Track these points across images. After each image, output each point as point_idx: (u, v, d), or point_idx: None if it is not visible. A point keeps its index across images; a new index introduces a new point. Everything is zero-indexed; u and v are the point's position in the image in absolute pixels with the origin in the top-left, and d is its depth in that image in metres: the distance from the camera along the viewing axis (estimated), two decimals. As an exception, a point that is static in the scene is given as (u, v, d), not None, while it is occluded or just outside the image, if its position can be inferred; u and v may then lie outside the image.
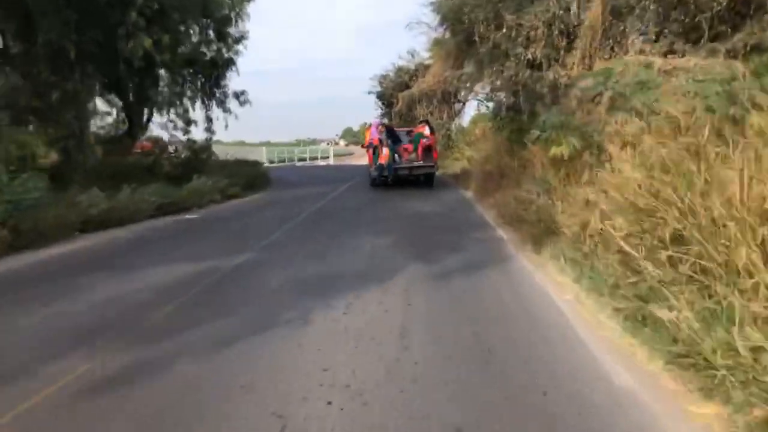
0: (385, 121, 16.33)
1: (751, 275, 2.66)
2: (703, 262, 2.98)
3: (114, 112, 18.89)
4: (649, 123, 5.25)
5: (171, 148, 17.35)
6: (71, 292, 4.35)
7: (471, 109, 33.51)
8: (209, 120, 20.44)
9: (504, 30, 9.92)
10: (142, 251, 6.28)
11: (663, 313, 2.82)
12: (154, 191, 9.78)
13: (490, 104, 22.71)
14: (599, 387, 2.55)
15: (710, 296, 2.80)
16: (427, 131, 13.45)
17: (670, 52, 8.10)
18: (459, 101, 25.12)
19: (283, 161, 34.40)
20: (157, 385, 2.65)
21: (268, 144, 54.92)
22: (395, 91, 25.06)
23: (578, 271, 4.26)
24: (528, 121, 9.37)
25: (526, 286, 4.46)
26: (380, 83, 26.19)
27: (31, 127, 10.10)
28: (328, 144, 62.81)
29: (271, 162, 33.26)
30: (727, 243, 2.87)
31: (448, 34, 18.41)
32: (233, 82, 21.09)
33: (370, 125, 14.38)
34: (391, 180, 12.57)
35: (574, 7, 9.83)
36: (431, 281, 4.54)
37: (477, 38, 10.73)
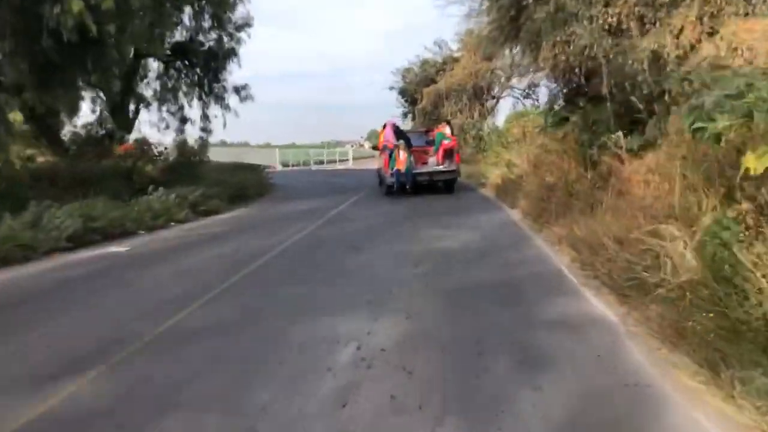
0: (397, 121, 13.53)
1: None
2: None
3: (104, 109, 16.62)
4: None
5: (156, 150, 14.93)
6: None
7: (505, 108, 30.08)
8: (205, 118, 18.01)
9: (573, -18, 6.89)
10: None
11: None
12: (85, 209, 7.14)
13: (528, 101, 19.38)
14: None
15: None
16: (448, 131, 11.79)
17: None
18: (493, 97, 22.00)
19: (299, 164, 31.89)
20: None
21: (293, 146, 52.83)
22: (419, 87, 22.11)
23: None
24: (614, 114, 6.31)
25: None
26: (403, 78, 23.27)
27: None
28: (352, 146, 60.51)
29: (285, 165, 30.89)
30: None
31: (483, 17, 15.63)
32: (235, 75, 18.49)
33: (385, 125, 12.10)
34: (410, 187, 10.75)
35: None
36: None
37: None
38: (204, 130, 17.77)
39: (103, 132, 16.04)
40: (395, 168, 10.80)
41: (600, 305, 3.69)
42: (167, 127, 17.69)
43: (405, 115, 24.21)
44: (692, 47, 6.03)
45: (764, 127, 2.67)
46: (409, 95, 22.86)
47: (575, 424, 2.19)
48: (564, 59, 7.23)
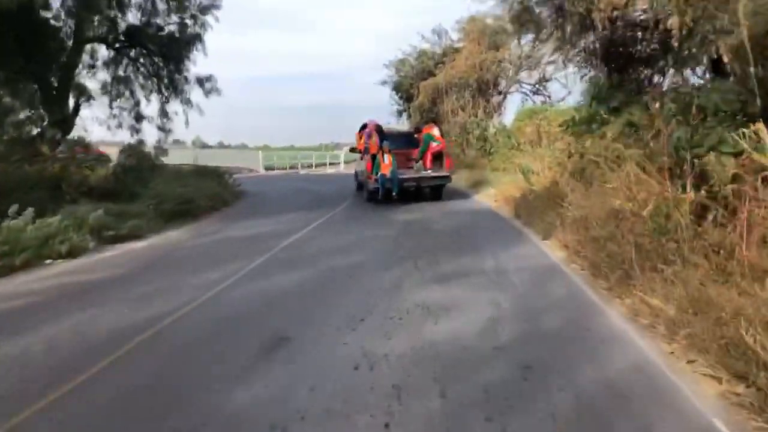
0: (377, 120, 11.48)
1: None
2: None
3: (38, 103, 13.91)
4: None
5: (96, 153, 12.33)
6: None
7: (512, 105, 27.12)
8: (164, 114, 15.39)
9: None
10: None
11: None
12: None
13: (538, 97, 17.09)
14: None
15: None
16: (436, 132, 10.79)
17: None
18: (499, 92, 19.39)
19: (286, 168, 29.25)
20: None
21: (291, 148, 50.23)
22: (416, 81, 19.48)
23: None
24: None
25: None
26: (397, 71, 20.61)
27: None
28: (350, 149, 57.81)
29: (270, 169, 28.28)
30: None
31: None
32: (200, 65, 15.89)
33: (364, 126, 10.96)
34: (397, 194, 9.68)
35: None
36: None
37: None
38: (162, 129, 15.20)
39: (38, 130, 13.40)
40: (380, 173, 9.64)
41: None
42: (120, 125, 15.11)
43: (400, 113, 21.60)
44: None
45: None
46: (404, 91, 20.20)
47: None
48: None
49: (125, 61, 15.10)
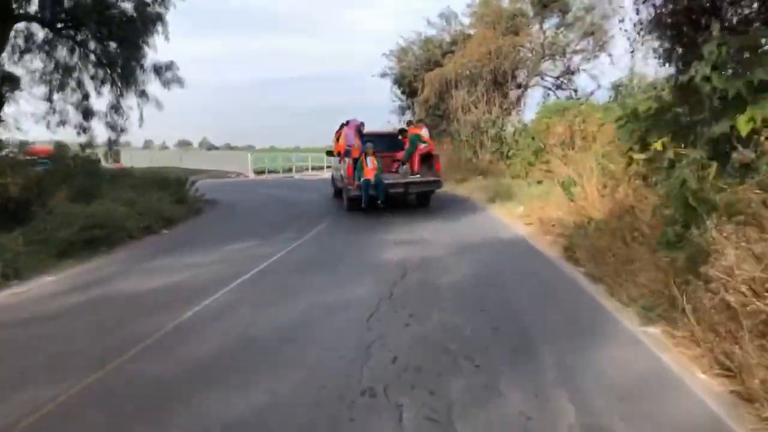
0: (358, 120, 9.94)
1: None
2: None
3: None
4: None
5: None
6: None
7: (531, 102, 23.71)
8: (114, 110, 12.78)
9: None
10: None
11: None
12: None
13: (562, 92, 14.17)
14: None
15: None
16: (425, 133, 9.97)
17: None
18: (518, 86, 16.62)
19: (279, 171, 26.71)
20: None
21: (297, 150, 47.75)
22: (420, 72, 16.74)
23: None
24: None
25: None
26: (399, 61, 17.86)
27: None
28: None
29: (261, 172, 25.73)
30: None
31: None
32: (161, 52, 13.29)
33: (344, 125, 10.06)
34: (382, 202, 8.66)
35: None
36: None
37: None
38: (112, 127, 12.60)
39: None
40: (363, 178, 8.54)
41: None
42: (62, 122, 12.53)
43: (402, 110, 18.86)
44: None
45: None
46: (407, 84, 17.46)
47: None
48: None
49: (71, 45, 12.54)
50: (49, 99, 12.32)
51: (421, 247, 5.95)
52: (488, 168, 14.29)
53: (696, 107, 4.89)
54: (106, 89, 12.77)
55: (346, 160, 9.12)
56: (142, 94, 12.30)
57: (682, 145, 4.62)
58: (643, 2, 7.82)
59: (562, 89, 17.74)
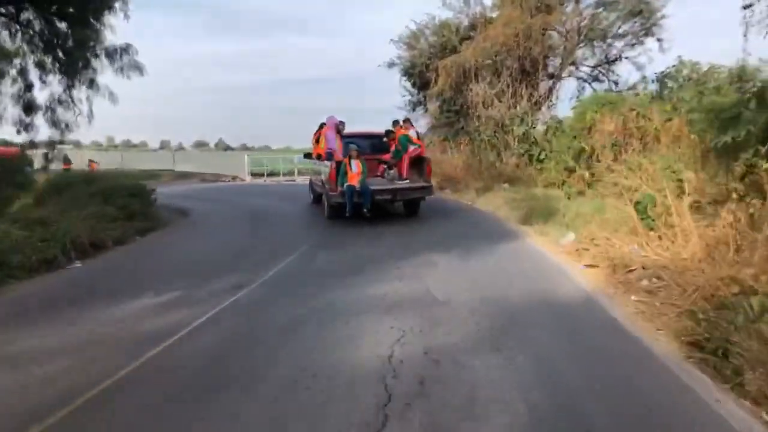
0: (337, 118, 8.71)
1: None
2: None
3: None
4: None
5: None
6: None
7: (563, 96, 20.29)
8: (59, 103, 10.57)
9: None
10: None
11: None
12: None
13: (599, 84, 12.00)
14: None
15: None
16: (413, 134, 8.84)
17: None
18: (550, 76, 13.98)
19: (280, 173, 24.46)
20: None
21: (311, 150, 46.03)
22: (433, 60, 14.20)
23: None
24: None
25: None
26: (409, 47, 15.32)
27: None
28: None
29: (260, 175, 23.50)
30: None
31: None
32: (119, 34, 10.96)
33: (323, 125, 8.80)
34: (369, 210, 7.69)
35: None
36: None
37: None
38: (55, 123, 10.34)
39: None
40: (347, 183, 7.65)
41: None
42: (-1, 118, 10.38)
43: (413, 105, 16.33)
44: None
45: None
46: (418, 74, 14.91)
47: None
48: None
49: (11, 25, 10.40)
50: (-18, 90, 10.17)
51: (428, 319, 3.50)
52: (515, 174, 11.75)
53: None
54: (52, 78, 10.60)
55: (327, 163, 8.21)
56: (91, 83, 10.03)
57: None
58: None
59: (599, 81, 15.09)
